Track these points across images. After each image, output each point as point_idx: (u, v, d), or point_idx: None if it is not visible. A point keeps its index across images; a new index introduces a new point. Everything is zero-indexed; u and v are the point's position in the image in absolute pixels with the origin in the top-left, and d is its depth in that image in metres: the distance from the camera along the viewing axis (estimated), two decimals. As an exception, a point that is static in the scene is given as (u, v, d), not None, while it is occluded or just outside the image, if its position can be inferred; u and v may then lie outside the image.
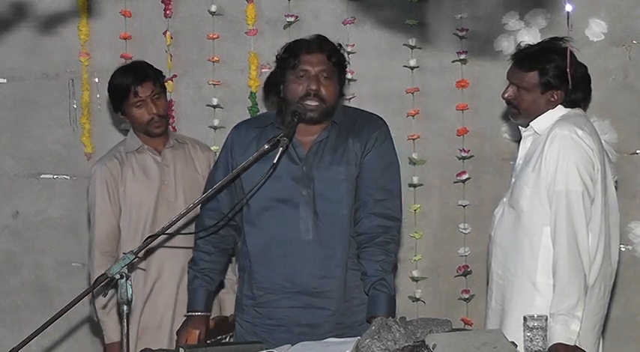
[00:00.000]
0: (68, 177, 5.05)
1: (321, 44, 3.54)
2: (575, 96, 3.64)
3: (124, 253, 3.07)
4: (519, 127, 3.73)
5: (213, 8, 4.84)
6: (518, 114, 3.66)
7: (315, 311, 3.54)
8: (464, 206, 4.77)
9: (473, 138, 4.77)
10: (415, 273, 4.81)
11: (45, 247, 5.08)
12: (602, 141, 3.68)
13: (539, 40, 4.00)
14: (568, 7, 3.21)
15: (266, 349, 3.31)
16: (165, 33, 4.88)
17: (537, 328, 3.21)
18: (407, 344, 3.09)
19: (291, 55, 3.53)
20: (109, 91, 4.06)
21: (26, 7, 4.63)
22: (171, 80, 4.86)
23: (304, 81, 3.49)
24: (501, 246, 3.67)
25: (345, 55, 3.65)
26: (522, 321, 3.25)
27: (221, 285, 3.92)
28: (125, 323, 2.97)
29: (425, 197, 4.79)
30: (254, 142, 3.58)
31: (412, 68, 4.75)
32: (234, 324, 3.71)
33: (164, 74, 4.13)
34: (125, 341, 2.99)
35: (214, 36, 4.86)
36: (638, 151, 4.66)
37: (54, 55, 4.99)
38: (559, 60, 3.55)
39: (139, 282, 3.96)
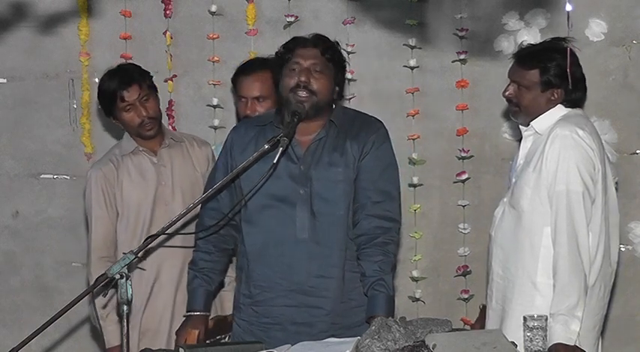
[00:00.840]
0: (68, 177, 5.05)
1: (316, 40, 3.56)
2: (574, 95, 3.64)
3: (123, 253, 3.07)
4: (520, 127, 3.73)
5: (213, 8, 4.84)
6: (518, 112, 3.66)
7: (311, 310, 3.53)
8: (464, 206, 4.77)
9: (473, 138, 4.77)
10: (415, 273, 4.82)
11: (45, 247, 5.08)
12: (602, 142, 3.68)
13: (540, 40, 4.00)
14: (568, 7, 3.20)
15: (266, 349, 3.32)
16: (165, 33, 4.88)
17: (537, 328, 3.21)
18: (407, 344, 3.09)
19: (286, 50, 3.56)
20: (98, 97, 4.06)
21: (26, 7, 4.62)
22: (171, 80, 4.86)
23: (296, 74, 3.50)
24: (502, 246, 3.67)
25: (345, 54, 3.65)
26: (522, 321, 3.26)
27: (221, 285, 3.92)
28: (125, 323, 2.97)
29: (425, 197, 4.79)
30: (253, 141, 3.58)
31: (412, 68, 4.75)
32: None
33: (152, 75, 4.09)
34: (125, 341, 2.99)
35: (214, 36, 4.86)
36: (638, 151, 4.66)
37: (54, 55, 4.99)
38: (560, 59, 3.55)
39: (138, 283, 3.95)
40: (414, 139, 4.76)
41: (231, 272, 4.17)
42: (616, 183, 3.71)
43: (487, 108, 4.75)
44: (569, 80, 3.46)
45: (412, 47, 4.74)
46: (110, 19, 4.93)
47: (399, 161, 3.70)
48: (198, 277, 3.63)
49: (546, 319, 3.26)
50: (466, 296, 4.78)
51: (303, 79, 3.48)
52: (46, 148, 5.04)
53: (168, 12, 4.87)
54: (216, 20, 4.87)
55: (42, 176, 5.07)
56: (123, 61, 4.77)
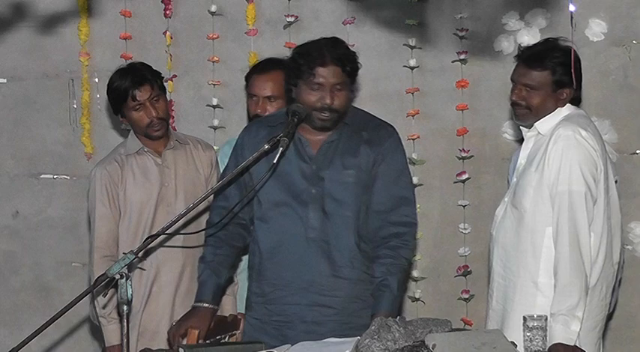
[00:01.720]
0: (68, 177, 5.05)
1: (336, 56, 3.51)
2: (577, 93, 3.66)
3: (124, 253, 3.07)
4: (521, 128, 3.73)
5: (213, 8, 4.84)
6: (528, 114, 3.63)
7: (321, 309, 3.55)
8: (464, 206, 4.77)
9: (473, 138, 4.77)
10: (415, 273, 4.81)
11: (45, 247, 5.08)
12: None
13: (538, 40, 3.99)
14: (571, 7, 3.21)
15: (266, 349, 3.32)
16: (165, 33, 4.88)
17: (537, 328, 3.21)
18: (407, 344, 3.09)
19: (306, 65, 3.50)
20: (107, 95, 4.05)
21: (26, 7, 4.62)
22: (171, 80, 4.86)
23: (318, 93, 3.49)
24: (503, 245, 3.67)
25: (357, 57, 3.64)
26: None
27: (230, 280, 3.92)
28: (125, 323, 2.97)
29: (425, 197, 4.78)
30: (263, 142, 3.57)
31: (412, 68, 4.75)
32: (233, 324, 3.71)
33: (162, 75, 4.11)
34: (125, 341, 2.98)
35: (214, 36, 4.86)
36: (638, 151, 4.66)
37: (54, 55, 4.99)
38: (566, 58, 3.53)
39: (137, 283, 3.95)
40: (414, 139, 4.76)
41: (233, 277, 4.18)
42: (616, 182, 3.71)
43: (487, 108, 4.75)
44: (574, 79, 3.46)
45: (412, 47, 4.74)
46: (110, 19, 4.93)
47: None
48: (207, 269, 3.61)
49: (546, 319, 3.26)
50: (466, 296, 4.78)
51: (328, 102, 3.49)
52: (46, 148, 5.04)
53: (168, 12, 4.87)
54: (216, 20, 4.87)
55: (42, 176, 5.07)
56: (123, 61, 4.77)
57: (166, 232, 3.28)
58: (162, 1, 4.87)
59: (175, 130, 4.63)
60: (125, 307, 2.95)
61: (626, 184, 4.50)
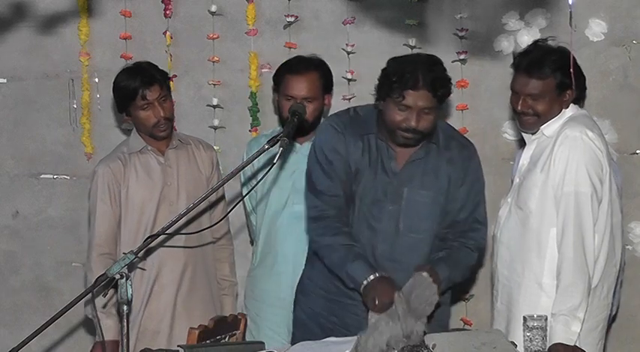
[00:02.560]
0: (68, 177, 5.05)
1: (429, 80, 3.44)
2: (581, 94, 3.67)
3: (124, 253, 3.07)
4: (524, 134, 3.73)
5: (213, 8, 4.84)
6: (537, 121, 3.63)
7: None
8: (464, 206, 4.77)
9: (473, 138, 4.72)
10: (415, 273, 4.81)
11: (45, 247, 5.08)
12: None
13: (532, 41, 3.98)
14: (570, 1, 3.21)
15: (266, 349, 3.32)
16: (165, 33, 4.88)
17: (537, 328, 3.22)
18: (406, 344, 3.09)
19: (397, 85, 3.44)
20: (114, 92, 4.05)
21: (26, 7, 4.62)
22: (172, 80, 4.85)
23: (405, 114, 3.47)
24: (508, 246, 3.66)
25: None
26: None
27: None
28: (125, 323, 2.97)
29: (425, 197, 4.78)
30: (364, 152, 3.57)
31: (412, 68, 4.74)
32: (234, 324, 3.71)
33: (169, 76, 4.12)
34: (125, 341, 2.99)
35: (214, 36, 4.86)
36: (638, 151, 4.66)
37: (54, 55, 4.99)
38: (564, 60, 3.53)
39: (138, 283, 3.95)
40: (414, 139, 4.76)
41: (232, 277, 4.19)
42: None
43: (487, 108, 4.75)
44: (572, 78, 3.46)
45: (412, 47, 4.73)
46: (110, 19, 4.93)
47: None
48: (343, 252, 3.50)
49: (546, 319, 3.27)
50: (466, 296, 4.78)
51: (413, 124, 3.46)
52: (46, 148, 5.04)
53: (168, 12, 4.87)
54: (216, 20, 4.87)
55: (42, 176, 5.07)
56: (123, 61, 4.79)
57: (166, 232, 3.28)
58: (162, 1, 4.87)
59: (176, 130, 4.64)
60: (125, 307, 2.95)
61: (626, 184, 4.49)
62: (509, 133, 4.73)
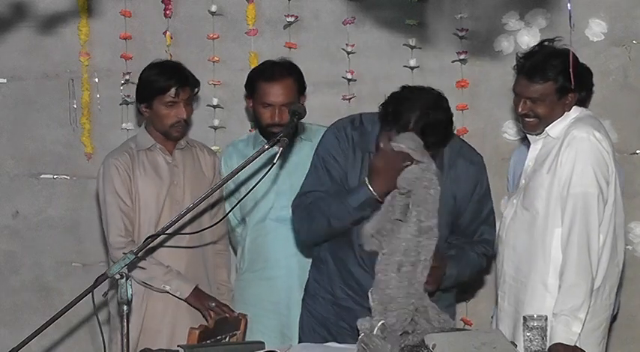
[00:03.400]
0: (68, 177, 5.05)
1: (419, 128, 3.30)
2: (581, 94, 3.66)
3: (124, 253, 3.07)
4: (528, 135, 3.72)
5: (213, 8, 4.84)
6: (538, 124, 3.63)
7: None
8: (464, 206, 4.77)
9: (473, 138, 4.75)
10: (415, 273, 4.81)
11: (45, 247, 5.08)
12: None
13: (538, 41, 3.98)
14: (569, 1, 3.20)
15: (266, 349, 3.32)
16: (165, 33, 4.88)
17: (537, 328, 3.22)
18: (407, 344, 3.09)
19: (391, 123, 3.35)
20: (142, 82, 4.03)
21: (26, 7, 4.62)
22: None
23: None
24: (514, 247, 3.66)
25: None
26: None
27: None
28: (125, 323, 2.97)
29: (425, 197, 4.78)
30: (364, 169, 3.51)
31: (412, 68, 4.75)
32: (234, 324, 3.71)
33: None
34: (125, 341, 2.99)
35: (214, 36, 4.86)
36: (638, 151, 4.67)
37: (54, 55, 4.99)
38: (567, 63, 3.51)
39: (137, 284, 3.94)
40: (414, 139, 4.76)
41: (229, 283, 4.19)
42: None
43: (487, 108, 4.75)
44: (572, 81, 3.45)
45: (412, 47, 4.74)
46: (110, 19, 4.93)
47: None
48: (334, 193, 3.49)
49: (546, 319, 3.26)
50: (467, 296, 4.78)
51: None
52: (46, 148, 5.04)
53: (168, 12, 4.87)
54: (216, 20, 4.87)
55: (42, 176, 5.07)
56: (123, 61, 4.79)
57: (166, 232, 3.27)
58: (162, 1, 4.87)
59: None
60: (125, 307, 2.95)
61: (626, 184, 4.49)
62: (509, 133, 4.73)
